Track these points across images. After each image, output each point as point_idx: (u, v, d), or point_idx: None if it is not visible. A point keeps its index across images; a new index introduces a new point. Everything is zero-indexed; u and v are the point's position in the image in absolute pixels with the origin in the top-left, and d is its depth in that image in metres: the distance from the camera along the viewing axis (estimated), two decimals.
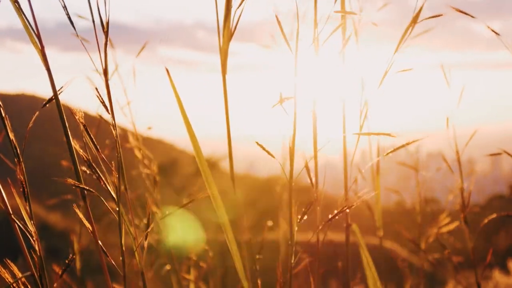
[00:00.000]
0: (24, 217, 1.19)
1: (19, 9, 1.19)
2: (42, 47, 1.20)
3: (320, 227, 1.44)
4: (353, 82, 1.70)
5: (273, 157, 1.32)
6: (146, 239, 1.30)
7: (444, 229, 2.24)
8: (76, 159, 1.22)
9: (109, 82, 1.26)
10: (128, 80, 2.18)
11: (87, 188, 1.21)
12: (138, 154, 2.19)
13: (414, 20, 1.40)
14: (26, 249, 1.23)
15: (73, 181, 1.17)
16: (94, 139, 1.21)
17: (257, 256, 1.73)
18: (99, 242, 1.27)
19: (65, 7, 1.20)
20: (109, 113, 1.24)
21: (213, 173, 1.39)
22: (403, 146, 1.48)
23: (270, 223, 2.23)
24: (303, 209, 1.36)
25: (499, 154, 1.85)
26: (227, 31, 1.32)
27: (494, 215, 1.95)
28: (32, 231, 1.19)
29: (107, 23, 1.21)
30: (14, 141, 1.19)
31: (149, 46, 2.11)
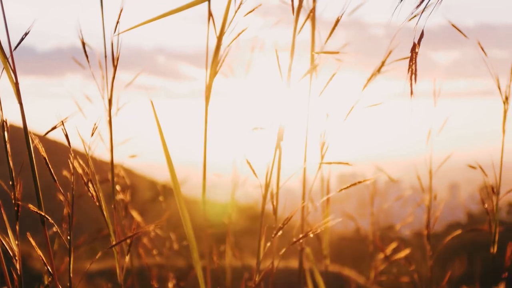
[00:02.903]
0: (10, 237, 1.21)
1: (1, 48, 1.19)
2: (17, 82, 1.20)
3: (282, 251, 1.45)
4: (314, 112, 1.71)
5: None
6: (128, 253, 1.32)
7: (394, 257, 2.25)
8: (38, 184, 1.22)
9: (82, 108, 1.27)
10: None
11: (45, 215, 1.20)
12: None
13: (382, 64, 1.46)
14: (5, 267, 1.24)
15: (33, 207, 1.16)
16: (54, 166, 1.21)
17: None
18: (50, 267, 1.26)
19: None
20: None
21: (170, 198, 1.40)
22: (360, 182, 1.48)
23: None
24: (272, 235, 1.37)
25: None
26: (214, 69, 1.35)
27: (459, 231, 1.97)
28: (16, 251, 1.20)
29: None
30: (11, 164, 1.21)
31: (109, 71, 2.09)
